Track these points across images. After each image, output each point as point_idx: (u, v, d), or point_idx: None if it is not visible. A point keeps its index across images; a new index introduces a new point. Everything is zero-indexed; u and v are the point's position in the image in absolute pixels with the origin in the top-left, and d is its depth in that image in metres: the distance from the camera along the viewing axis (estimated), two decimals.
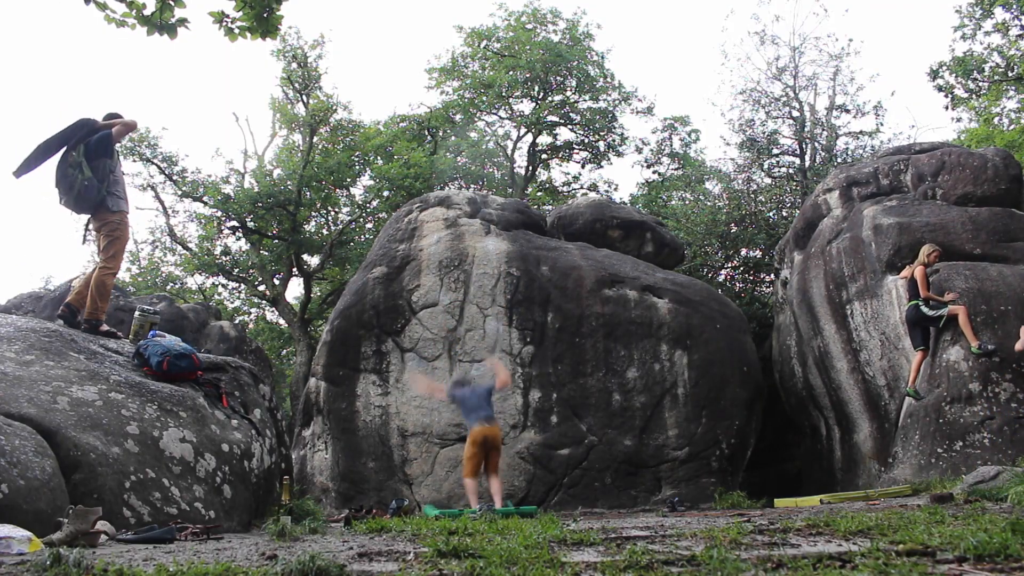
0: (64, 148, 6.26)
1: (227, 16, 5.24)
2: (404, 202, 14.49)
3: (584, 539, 2.91)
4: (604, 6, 39.02)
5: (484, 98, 22.06)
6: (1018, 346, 7.54)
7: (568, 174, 25.32)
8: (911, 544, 2.08)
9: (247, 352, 15.34)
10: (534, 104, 22.08)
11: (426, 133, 21.87)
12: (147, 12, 5.09)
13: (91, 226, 6.63)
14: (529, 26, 22.26)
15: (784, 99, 18.32)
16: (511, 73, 21.23)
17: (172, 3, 5.07)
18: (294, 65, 19.43)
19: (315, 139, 20.32)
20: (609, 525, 3.98)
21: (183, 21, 5.15)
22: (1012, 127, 18.37)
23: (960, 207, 9.41)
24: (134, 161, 19.18)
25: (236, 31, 5.26)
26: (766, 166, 17.89)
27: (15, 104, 47.26)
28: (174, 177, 19.55)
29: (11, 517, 3.63)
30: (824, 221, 10.58)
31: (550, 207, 18.31)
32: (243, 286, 22.37)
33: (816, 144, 17.78)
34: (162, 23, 5.07)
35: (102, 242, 6.40)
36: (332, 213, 22.37)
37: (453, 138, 22.64)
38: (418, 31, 51.68)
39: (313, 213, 21.45)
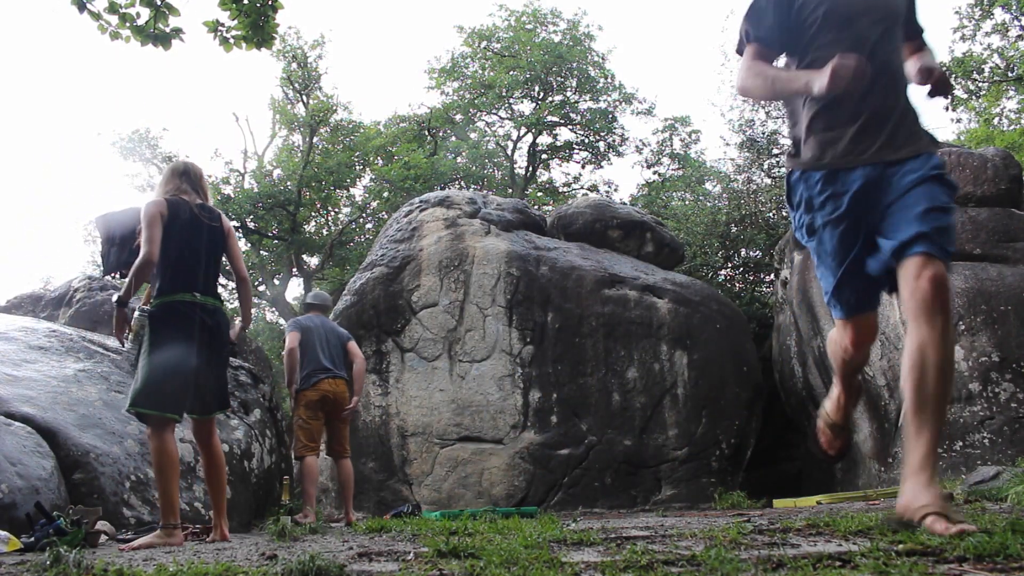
0: None
1: (222, 25, 5.18)
2: (404, 203, 14.51)
3: (584, 539, 2.91)
4: (605, 7, 39.04)
5: (484, 98, 22.06)
6: None
7: (568, 174, 25.39)
8: (911, 544, 2.08)
9: (247, 352, 15.33)
10: (534, 104, 22.07)
11: (426, 134, 21.88)
12: (140, 22, 5.02)
13: None
14: (529, 26, 22.26)
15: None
16: (511, 73, 21.23)
17: (166, 12, 5.01)
18: (294, 65, 19.46)
19: (315, 139, 20.33)
20: (609, 525, 3.98)
21: (178, 32, 5.07)
22: (1012, 127, 18.37)
23: (960, 207, 9.41)
24: (134, 162, 19.25)
25: (231, 41, 5.21)
26: (766, 166, 17.86)
27: (14, 103, 47.32)
28: None
29: (11, 517, 3.63)
30: None
31: (550, 207, 18.31)
32: None
33: None
34: (155, 34, 5.01)
35: None
36: (332, 213, 22.38)
37: (453, 138, 22.63)
38: (418, 31, 51.68)
39: (313, 213, 21.47)
